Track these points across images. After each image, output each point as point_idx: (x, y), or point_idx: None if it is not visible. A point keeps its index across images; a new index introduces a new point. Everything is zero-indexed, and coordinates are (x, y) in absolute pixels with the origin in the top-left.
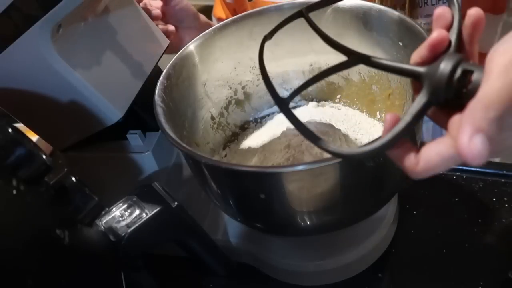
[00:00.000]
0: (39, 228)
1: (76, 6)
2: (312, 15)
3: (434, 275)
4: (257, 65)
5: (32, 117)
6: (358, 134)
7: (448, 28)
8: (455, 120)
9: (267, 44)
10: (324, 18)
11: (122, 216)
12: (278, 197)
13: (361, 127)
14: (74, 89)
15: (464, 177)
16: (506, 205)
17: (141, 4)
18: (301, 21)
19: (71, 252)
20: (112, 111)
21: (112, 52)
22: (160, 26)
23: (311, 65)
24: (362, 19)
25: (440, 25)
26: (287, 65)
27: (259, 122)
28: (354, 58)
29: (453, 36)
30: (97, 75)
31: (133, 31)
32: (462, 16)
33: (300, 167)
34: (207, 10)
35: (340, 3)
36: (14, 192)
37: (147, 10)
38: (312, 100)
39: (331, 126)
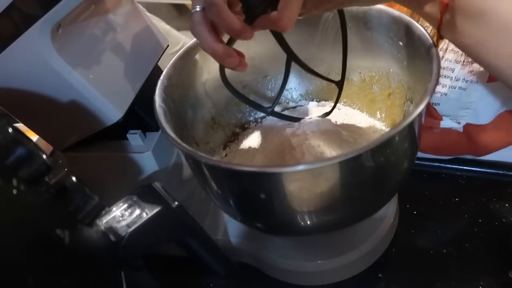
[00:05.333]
0: (39, 228)
1: (76, 6)
2: (311, 24)
3: (434, 275)
4: (257, 65)
5: (32, 117)
6: (358, 134)
7: None
8: None
9: (267, 44)
10: (323, 18)
11: (122, 216)
12: (278, 197)
13: (361, 126)
14: (74, 89)
15: (464, 177)
16: (506, 205)
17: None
18: (301, 30)
19: (72, 252)
20: (112, 111)
21: (112, 52)
22: None
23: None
24: (362, 19)
25: None
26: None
27: (259, 122)
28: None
29: None
30: (97, 75)
31: (133, 31)
32: None
33: (300, 167)
34: None
35: None
36: (15, 192)
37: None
38: (312, 100)
39: (331, 125)
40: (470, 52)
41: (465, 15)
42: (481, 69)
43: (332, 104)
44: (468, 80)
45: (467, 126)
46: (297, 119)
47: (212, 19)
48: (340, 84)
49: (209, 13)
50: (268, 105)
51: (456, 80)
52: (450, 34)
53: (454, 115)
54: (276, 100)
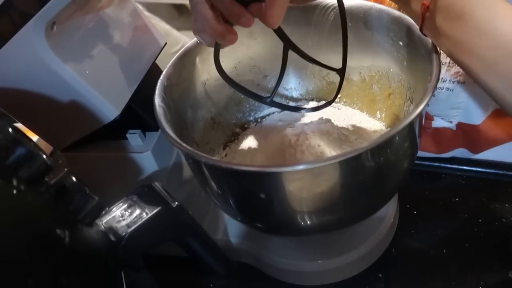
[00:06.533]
0: (39, 227)
1: (69, 3)
2: (307, 16)
3: (434, 275)
4: (257, 65)
5: (29, 116)
6: (358, 134)
7: None
8: None
9: (267, 44)
10: (324, 18)
11: (122, 216)
12: (278, 197)
13: (361, 126)
14: (70, 87)
15: (464, 177)
16: (506, 205)
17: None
18: (296, 22)
19: (72, 252)
20: (109, 108)
21: (108, 49)
22: None
23: (312, 64)
24: (362, 19)
25: None
26: (287, 64)
27: (259, 122)
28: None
29: None
30: (93, 72)
31: (129, 28)
32: None
33: (300, 167)
34: None
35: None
36: (15, 192)
37: None
38: (312, 100)
39: (331, 125)
40: (449, 53)
41: (444, 18)
42: None
43: (332, 104)
44: (455, 81)
45: (460, 124)
46: (297, 109)
47: (213, 2)
48: (341, 72)
49: None
50: (267, 96)
51: (443, 82)
52: (431, 34)
53: (445, 115)
54: (274, 90)
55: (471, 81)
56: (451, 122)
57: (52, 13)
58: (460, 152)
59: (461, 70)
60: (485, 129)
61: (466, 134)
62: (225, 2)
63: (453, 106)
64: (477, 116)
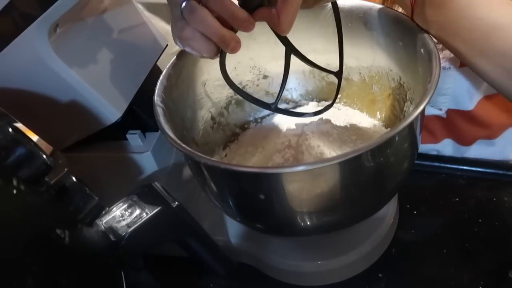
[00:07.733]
0: (39, 227)
1: (73, 6)
2: (312, 15)
3: (434, 275)
4: (257, 65)
5: (31, 117)
6: (358, 134)
7: None
8: None
9: (267, 44)
10: (324, 18)
11: (122, 215)
12: (277, 197)
13: (361, 127)
14: (72, 89)
15: (464, 177)
16: (506, 205)
17: None
18: (302, 21)
19: (72, 252)
20: (111, 111)
21: (110, 51)
22: None
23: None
24: (362, 19)
25: None
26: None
27: (259, 122)
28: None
29: None
30: (95, 74)
31: (131, 30)
32: None
33: (300, 168)
34: None
35: (340, 3)
36: (15, 191)
37: None
38: (312, 100)
39: (331, 126)
40: (438, 37)
41: (430, 6)
42: (451, 55)
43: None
44: None
45: (451, 111)
46: (300, 114)
47: (214, 8)
48: (338, 75)
49: (210, 2)
50: (271, 102)
51: None
52: (420, 21)
53: (433, 102)
54: (278, 96)
55: (456, 66)
56: (440, 109)
57: (55, 15)
58: (454, 148)
59: (445, 56)
60: (477, 114)
61: (457, 121)
62: (227, 6)
63: (441, 93)
64: (467, 101)
